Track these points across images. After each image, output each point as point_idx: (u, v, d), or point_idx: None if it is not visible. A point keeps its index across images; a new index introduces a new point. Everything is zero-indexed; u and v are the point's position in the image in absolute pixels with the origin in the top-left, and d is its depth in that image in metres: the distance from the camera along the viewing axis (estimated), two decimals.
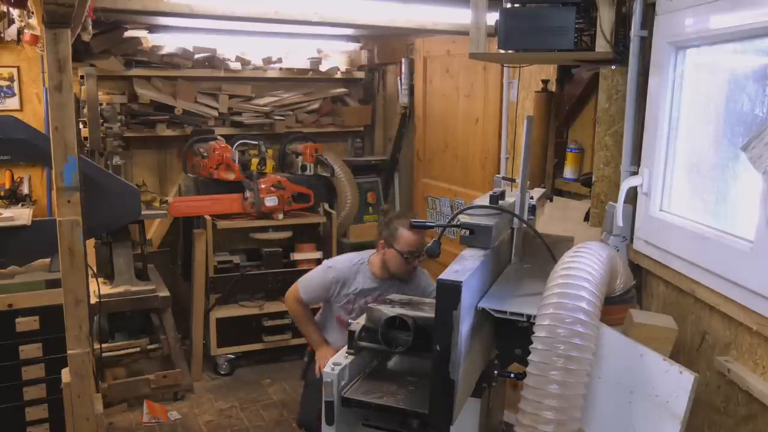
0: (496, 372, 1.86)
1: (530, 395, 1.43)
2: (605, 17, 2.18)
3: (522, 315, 1.60)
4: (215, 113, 4.31)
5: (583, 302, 1.44)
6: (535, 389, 1.42)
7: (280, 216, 4.01)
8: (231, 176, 3.99)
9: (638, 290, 2.16)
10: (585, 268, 1.52)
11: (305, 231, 4.21)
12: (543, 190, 2.55)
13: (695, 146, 1.96)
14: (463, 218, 1.84)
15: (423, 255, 2.73)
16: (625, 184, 2.10)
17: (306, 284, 2.90)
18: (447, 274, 1.55)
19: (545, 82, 3.05)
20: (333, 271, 2.86)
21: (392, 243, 2.73)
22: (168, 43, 4.20)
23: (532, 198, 2.05)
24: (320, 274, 2.90)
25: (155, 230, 4.36)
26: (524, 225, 1.98)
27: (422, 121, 4.52)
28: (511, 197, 2.01)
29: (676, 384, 1.36)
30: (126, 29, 3.96)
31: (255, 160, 4.17)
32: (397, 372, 2.03)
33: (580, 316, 1.42)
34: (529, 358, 1.47)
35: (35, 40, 3.26)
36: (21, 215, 3.22)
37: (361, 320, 2.05)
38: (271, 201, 3.98)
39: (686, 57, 1.97)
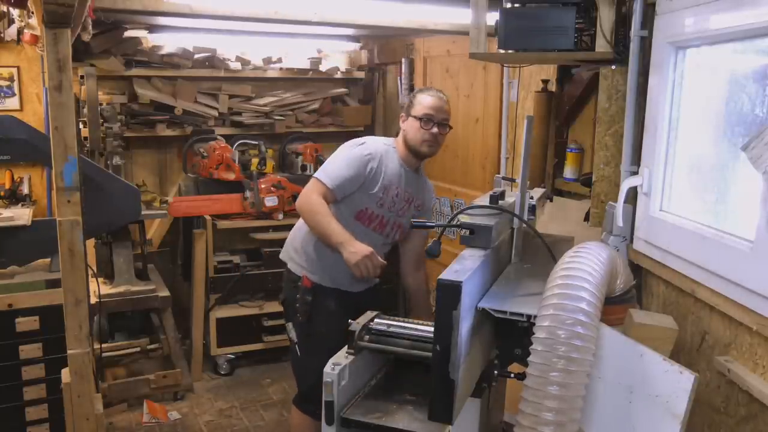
0: (496, 372, 1.86)
1: (530, 396, 1.43)
2: (605, 17, 2.18)
3: (522, 315, 1.60)
4: (215, 113, 4.31)
5: (583, 303, 1.44)
6: (534, 390, 1.42)
7: (280, 216, 4.01)
8: (231, 176, 3.99)
9: (638, 290, 2.16)
10: (585, 268, 1.52)
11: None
12: (543, 190, 2.55)
13: (695, 146, 1.96)
14: (463, 218, 1.84)
15: (445, 127, 2.51)
16: (625, 184, 2.10)
17: (332, 168, 2.44)
18: (447, 274, 1.55)
19: (545, 82, 3.05)
20: (367, 147, 2.48)
21: (410, 111, 2.51)
22: (168, 43, 4.20)
23: (532, 198, 2.05)
24: (354, 152, 2.46)
25: (155, 230, 4.36)
26: (524, 225, 1.98)
27: None
28: (511, 197, 2.02)
29: (676, 384, 1.36)
30: (126, 29, 3.95)
31: (255, 160, 4.17)
32: (396, 390, 2.02)
33: (580, 317, 1.42)
34: (529, 359, 1.47)
35: (35, 40, 3.27)
36: (21, 215, 3.22)
37: (362, 320, 2.05)
38: (271, 201, 3.98)
39: (686, 57, 1.97)
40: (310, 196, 2.40)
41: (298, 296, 2.49)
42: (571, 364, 1.40)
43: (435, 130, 2.48)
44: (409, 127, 2.50)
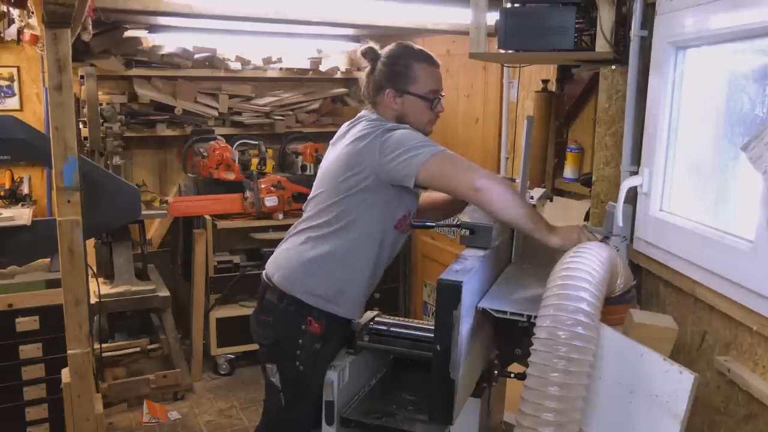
0: (496, 372, 1.86)
1: (530, 397, 1.43)
2: (605, 17, 2.18)
3: (522, 315, 1.61)
4: (215, 113, 4.31)
5: (583, 303, 1.44)
6: (535, 391, 1.42)
7: (280, 216, 4.01)
8: (231, 176, 3.99)
9: (638, 290, 2.16)
10: (585, 268, 1.52)
11: None
12: (543, 190, 2.55)
13: (695, 146, 1.96)
14: (463, 218, 1.84)
15: (442, 96, 2.10)
16: (625, 184, 2.10)
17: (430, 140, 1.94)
18: (447, 274, 1.55)
19: (545, 82, 3.05)
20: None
21: (407, 87, 2.03)
22: (168, 43, 4.20)
23: (532, 198, 2.05)
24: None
25: (155, 230, 4.36)
26: None
27: None
28: None
29: (676, 384, 1.36)
30: (126, 29, 3.95)
31: (255, 160, 4.17)
32: (396, 391, 2.02)
33: (580, 318, 1.42)
34: (530, 359, 1.47)
35: (35, 40, 3.26)
36: (21, 215, 3.22)
37: (362, 320, 2.05)
38: (271, 201, 3.98)
39: (686, 57, 1.97)
40: (492, 175, 1.84)
41: (301, 342, 1.98)
42: (571, 364, 1.40)
43: (440, 107, 2.09)
44: (411, 107, 2.04)
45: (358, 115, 2.11)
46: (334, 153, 2.06)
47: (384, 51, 2.07)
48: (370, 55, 2.08)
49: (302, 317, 1.97)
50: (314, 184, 2.09)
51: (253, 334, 2.15)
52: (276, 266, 2.06)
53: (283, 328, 2.01)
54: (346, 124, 2.13)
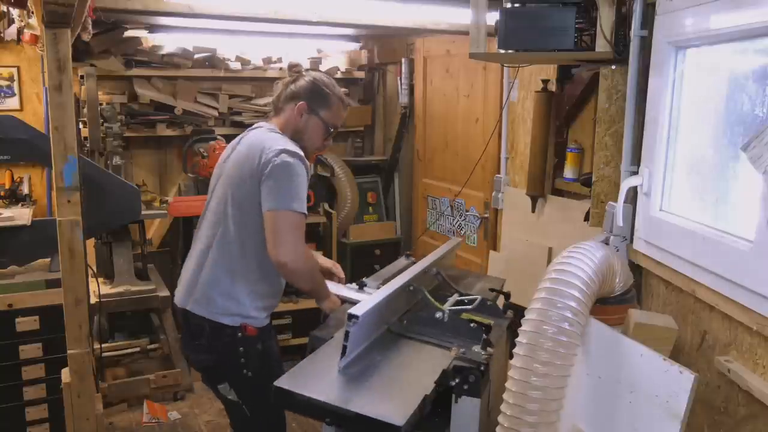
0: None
1: (512, 399, 1.43)
2: (605, 17, 2.18)
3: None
4: (215, 113, 4.31)
5: (572, 301, 1.44)
6: (516, 394, 1.43)
7: None
8: None
9: (638, 290, 2.16)
10: (578, 264, 1.52)
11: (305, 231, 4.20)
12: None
13: (695, 146, 1.96)
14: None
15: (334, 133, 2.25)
16: (625, 184, 2.10)
17: (300, 201, 2.02)
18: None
19: (545, 82, 3.05)
20: (302, 163, 2.05)
21: (320, 111, 2.17)
22: (168, 43, 4.20)
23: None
24: (301, 174, 2.03)
25: (155, 230, 4.36)
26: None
27: (422, 121, 4.52)
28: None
29: (676, 384, 1.36)
30: (126, 29, 3.95)
31: None
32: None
33: (564, 326, 1.43)
34: (512, 362, 1.47)
35: (35, 40, 3.27)
36: (21, 215, 3.22)
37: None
38: None
39: (686, 57, 1.97)
40: (306, 250, 2.06)
41: (242, 350, 2.07)
42: (552, 368, 1.40)
43: (329, 142, 2.27)
44: (312, 128, 2.18)
45: (252, 127, 2.30)
46: (219, 171, 2.24)
47: (312, 72, 2.24)
48: (296, 69, 2.27)
49: (234, 329, 2.08)
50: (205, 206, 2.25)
51: (191, 362, 2.27)
52: (186, 293, 2.20)
53: (221, 345, 2.10)
54: (236, 139, 2.32)
